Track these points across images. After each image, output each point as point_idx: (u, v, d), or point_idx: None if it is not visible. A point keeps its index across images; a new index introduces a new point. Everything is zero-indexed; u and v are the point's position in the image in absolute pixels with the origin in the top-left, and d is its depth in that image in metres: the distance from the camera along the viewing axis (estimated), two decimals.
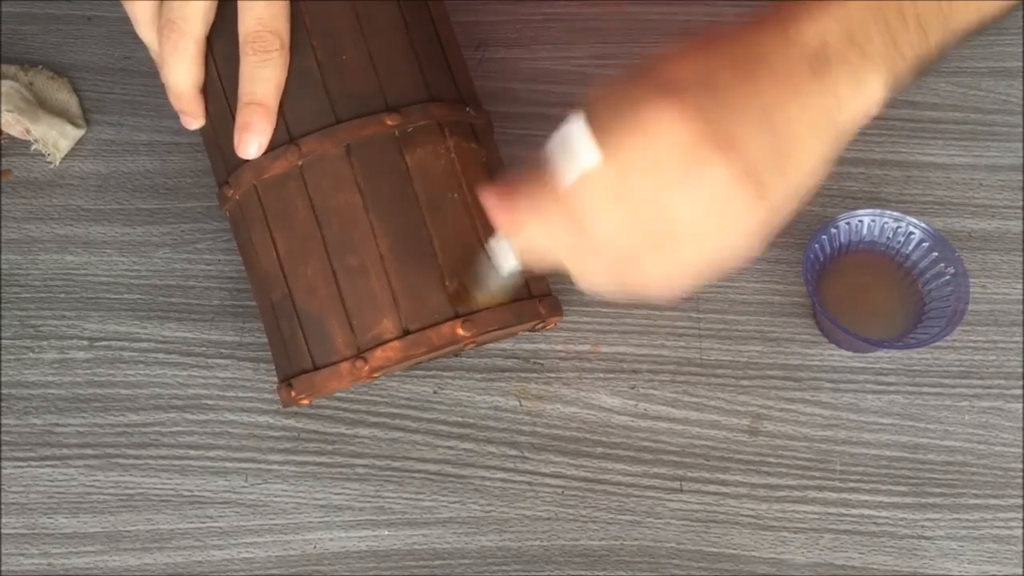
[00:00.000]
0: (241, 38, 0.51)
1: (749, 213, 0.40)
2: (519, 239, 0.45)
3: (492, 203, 0.44)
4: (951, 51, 0.44)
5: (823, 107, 0.40)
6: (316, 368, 0.51)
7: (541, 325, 0.56)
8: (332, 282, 0.50)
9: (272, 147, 0.51)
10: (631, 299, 0.44)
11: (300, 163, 0.51)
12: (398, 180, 0.51)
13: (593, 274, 0.44)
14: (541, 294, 0.54)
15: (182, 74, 0.53)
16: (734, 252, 0.41)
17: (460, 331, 0.49)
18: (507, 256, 0.47)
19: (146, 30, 0.53)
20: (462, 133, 0.53)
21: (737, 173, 0.39)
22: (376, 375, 0.50)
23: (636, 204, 0.40)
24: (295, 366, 0.52)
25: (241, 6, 0.50)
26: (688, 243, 0.41)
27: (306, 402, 0.53)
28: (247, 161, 0.52)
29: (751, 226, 0.40)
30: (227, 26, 0.51)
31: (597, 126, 0.40)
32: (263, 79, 0.51)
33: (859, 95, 0.41)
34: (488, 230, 0.52)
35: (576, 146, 0.40)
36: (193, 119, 0.55)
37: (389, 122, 0.51)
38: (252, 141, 0.51)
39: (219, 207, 0.56)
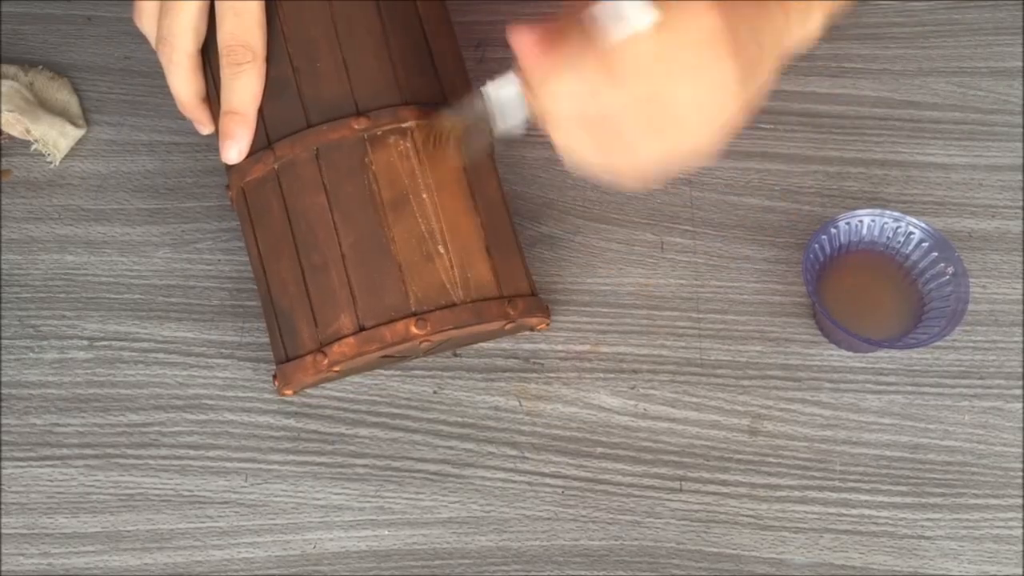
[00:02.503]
0: (219, 51, 0.54)
1: (730, 107, 0.44)
2: (543, 82, 0.45)
3: (527, 43, 0.45)
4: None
5: (779, 28, 0.46)
6: (288, 360, 0.53)
7: (514, 326, 0.56)
8: (300, 279, 0.53)
9: (253, 151, 0.55)
10: (604, 180, 0.48)
11: (276, 166, 0.54)
12: (361, 181, 0.53)
13: (587, 141, 0.46)
14: (515, 294, 0.54)
15: (181, 86, 0.56)
16: (706, 136, 0.45)
17: (414, 329, 0.51)
18: (502, 93, 0.47)
19: (154, 45, 0.56)
20: (436, 132, 0.54)
21: (737, 70, 0.43)
22: (336, 369, 0.52)
23: (663, 70, 0.43)
24: (276, 357, 0.54)
25: (217, 21, 0.53)
26: (684, 127, 0.45)
27: (289, 393, 0.55)
28: (234, 166, 0.56)
29: (726, 119, 0.45)
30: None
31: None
32: (237, 89, 0.54)
33: (804, 23, 0.47)
34: (457, 231, 0.53)
35: (633, 11, 0.42)
36: (202, 125, 0.58)
37: (356, 126, 0.53)
38: (232, 147, 0.55)
39: (231, 207, 0.58)
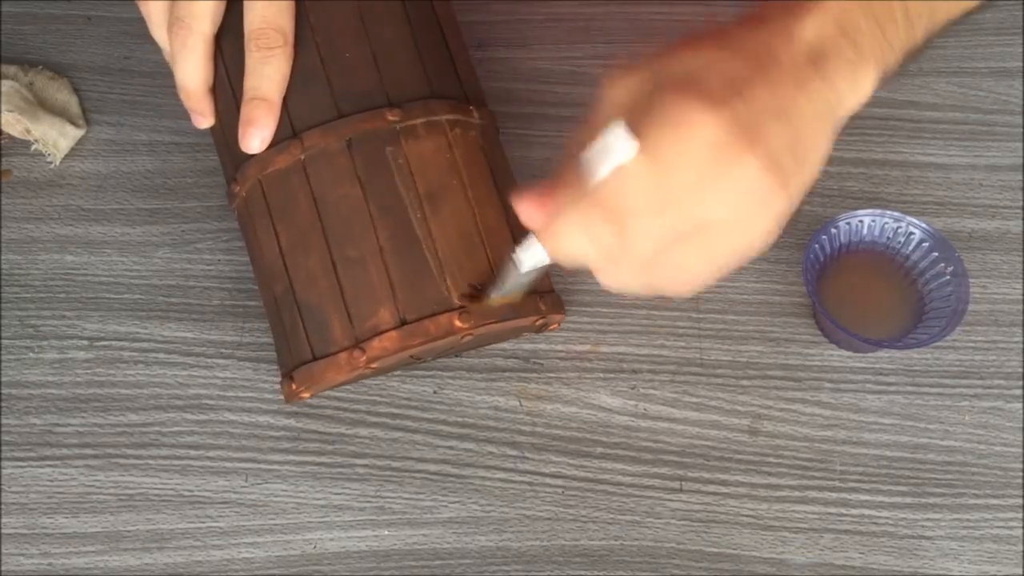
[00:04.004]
0: (246, 35, 0.52)
1: (775, 204, 0.41)
2: (553, 239, 0.44)
3: (526, 203, 0.44)
4: (939, 43, 0.46)
5: (826, 100, 0.42)
6: (315, 359, 0.51)
7: (543, 323, 0.55)
8: (332, 273, 0.51)
9: (276, 142, 0.52)
10: (653, 295, 0.45)
11: (303, 157, 0.52)
12: (398, 173, 0.51)
13: (624, 272, 0.44)
14: (542, 291, 0.54)
15: (191, 72, 0.53)
16: (759, 242, 0.43)
17: (458, 322, 0.50)
18: (534, 257, 0.47)
19: (159, 31, 0.54)
20: (464, 130, 0.53)
21: (766, 166, 0.40)
22: (373, 365, 0.51)
23: (672, 198, 0.41)
24: (296, 358, 0.52)
25: (247, 4, 0.51)
26: (720, 235, 0.42)
27: (307, 395, 0.53)
28: (252, 156, 0.53)
29: (775, 216, 0.42)
30: (235, 25, 0.52)
31: (631, 125, 0.40)
32: (266, 75, 0.52)
33: (855, 88, 0.43)
34: (488, 225, 0.52)
35: (612, 143, 0.40)
36: (203, 117, 0.55)
37: (390, 117, 0.52)
38: (255, 135, 0.52)
39: (229, 205, 0.56)
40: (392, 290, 0.50)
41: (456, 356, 0.59)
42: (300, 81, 0.52)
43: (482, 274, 0.51)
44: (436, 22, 0.56)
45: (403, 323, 0.50)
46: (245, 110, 0.52)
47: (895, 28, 0.43)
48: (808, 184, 0.43)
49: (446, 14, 0.58)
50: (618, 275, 0.45)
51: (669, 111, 0.40)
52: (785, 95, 0.41)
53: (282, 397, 0.58)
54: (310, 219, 0.52)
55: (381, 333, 0.50)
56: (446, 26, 0.57)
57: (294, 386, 0.52)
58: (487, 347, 0.59)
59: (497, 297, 0.51)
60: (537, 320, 0.54)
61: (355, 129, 0.51)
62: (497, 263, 0.51)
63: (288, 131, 0.52)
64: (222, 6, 0.53)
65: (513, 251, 0.48)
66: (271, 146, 0.53)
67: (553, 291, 0.55)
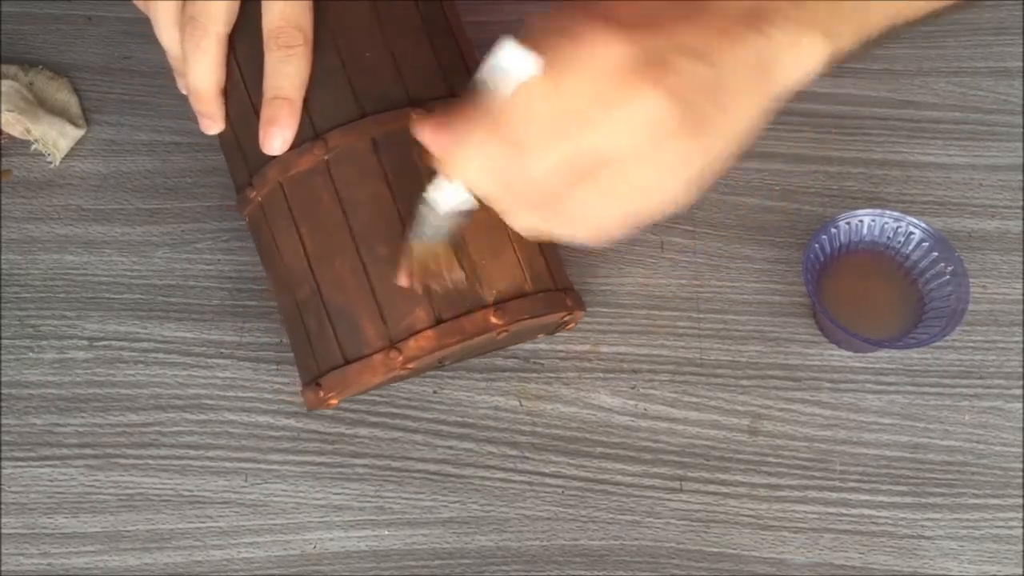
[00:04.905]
0: (265, 34, 0.51)
1: (685, 148, 0.39)
2: (452, 166, 0.43)
3: (425, 131, 0.43)
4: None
5: (758, 54, 0.40)
6: (347, 363, 0.50)
7: (569, 318, 0.55)
8: (362, 274, 0.50)
9: (297, 143, 0.52)
10: (562, 239, 0.44)
11: (326, 157, 0.51)
12: (426, 173, 0.50)
13: (525, 209, 0.43)
14: (565, 287, 0.54)
15: (204, 73, 0.52)
16: (670, 192, 0.41)
17: (493, 319, 0.50)
18: (446, 195, 0.45)
19: (167, 33, 0.53)
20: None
21: (672, 104, 0.38)
22: (410, 366, 0.50)
23: (568, 122, 0.39)
24: (324, 364, 0.51)
25: (265, 4, 0.51)
26: (624, 175, 0.40)
27: (335, 401, 0.52)
28: (271, 160, 0.52)
29: (687, 164, 0.40)
30: (249, 27, 0.52)
31: (533, 45, 0.39)
32: (288, 74, 0.51)
33: (798, 54, 0.40)
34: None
35: (510, 61, 0.39)
36: (212, 122, 0.54)
37: (415, 115, 0.51)
38: (277, 136, 0.51)
39: (240, 211, 0.55)
40: (427, 289, 0.49)
41: (482, 356, 0.59)
42: (320, 81, 0.52)
43: (512, 274, 0.51)
44: (446, 22, 0.56)
45: (439, 321, 0.49)
46: (266, 110, 0.51)
47: (850, 5, 0.42)
48: (734, 142, 0.40)
49: (453, 15, 0.58)
50: (520, 212, 0.43)
51: (575, 31, 0.38)
52: (709, 38, 0.39)
53: (282, 398, 0.58)
54: (336, 220, 0.51)
55: (417, 332, 0.49)
56: (455, 27, 0.57)
57: (322, 392, 0.51)
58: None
59: (418, 244, 0.48)
60: (564, 315, 0.54)
61: (380, 128, 0.51)
62: (525, 262, 0.51)
63: (310, 132, 0.52)
64: (236, 6, 0.52)
65: (424, 191, 0.46)
66: (292, 148, 0.52)
67: (573, 288, 0.55)
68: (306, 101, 0.52)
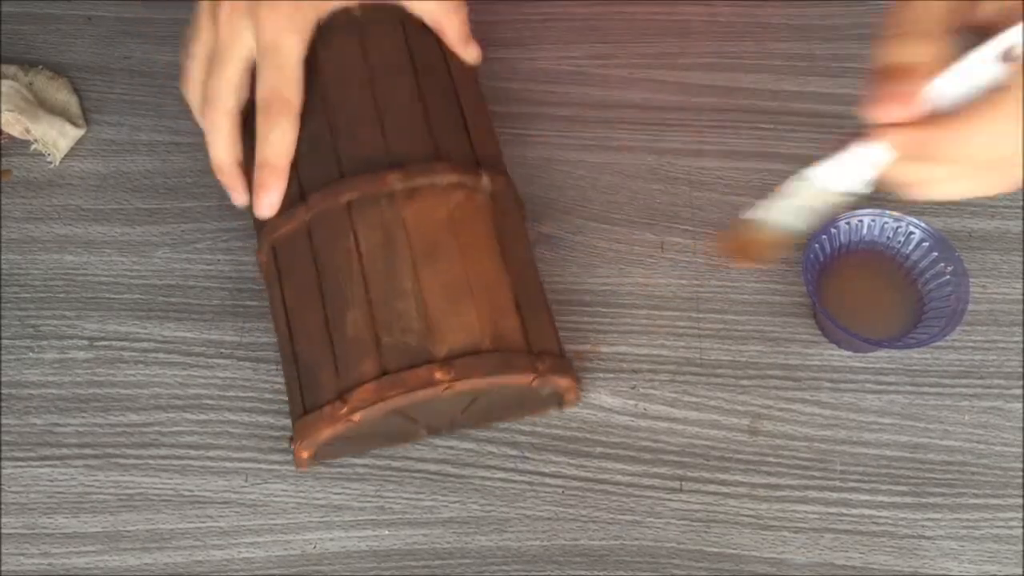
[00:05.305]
0: (256, 104, 0.54)
1: None
2: (927, 186, 0.43)
3: (884, 102, 0.42)
4: None
5: None
6: (306, 412, 0.51)
7: (562, 390, 0.54)
8: (324, 329, 0.51)
9: (287, 205, 0.54)
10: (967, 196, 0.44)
11: (308, 219, 0.53)
12: (392, 231, 0.52)
13: (970, 174, 0.43)
14: (542, 351, 0.52)
15: (220, 148, 0.56)
16: None
17: (438, 374, 0.49)
18: (843, 172, 0.44)
19: (198, 116, 0.57)
20: (470, 192, 0.54)
21: None
22: (355, 417, 0.50)
23: None
24: (294, 416, 0.53)
25: (257, 76, 0.54)
26: None
27: (305, 455, 0.53)
28: (267, 223, 0.55)
29: None
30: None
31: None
32: (272, 141, 0.54)
33: None
34: (484, 283, 0.52)
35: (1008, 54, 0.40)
36: (236, 194, 0.57)
37: (390, 177, 0.53)
38: (263, 198, 0.54)
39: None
40: (377, 342, 0.50)
41: (474, 427, 0.57)
42: (309, 148, 0.54)
43: (469, 330, 0.50)
44: (452, 89, 0.57)
45: (384, 373, 0.50)
46: (255, 176, 0.54)
47: None
48: None
49: (466, 81, 0.59)
50: (958, 181, 0.43)
51: None
52: None
53: (282, 398, 0.58)
54: (310, 277, 0.53)
55: (362, 384, 0.50)
56: (464, 94, 0.58)
57: (294, 444, 0.52)
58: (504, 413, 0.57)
59: (762, 221, 0.46)
60: (535, 379, 0.52)
61: (355, 190, 0.53)
62: (487, 320, 0.51)
63: (297, 195, 0.54)
64: (244, 83, 0.55)
65: (803, 169, 0.45)
66: (282, 212, 0.54)
67: (562, 356, 0.54)
68: (296, 167, 0.54)
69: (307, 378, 0.52)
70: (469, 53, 0.60)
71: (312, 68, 0.55)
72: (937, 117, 0.41)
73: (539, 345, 0.52)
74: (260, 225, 0.56)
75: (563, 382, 0.53)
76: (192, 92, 0.57)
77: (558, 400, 0.56)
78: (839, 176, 0.45)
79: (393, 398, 0.49)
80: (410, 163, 0.53)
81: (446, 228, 0.52)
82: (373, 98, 0.55)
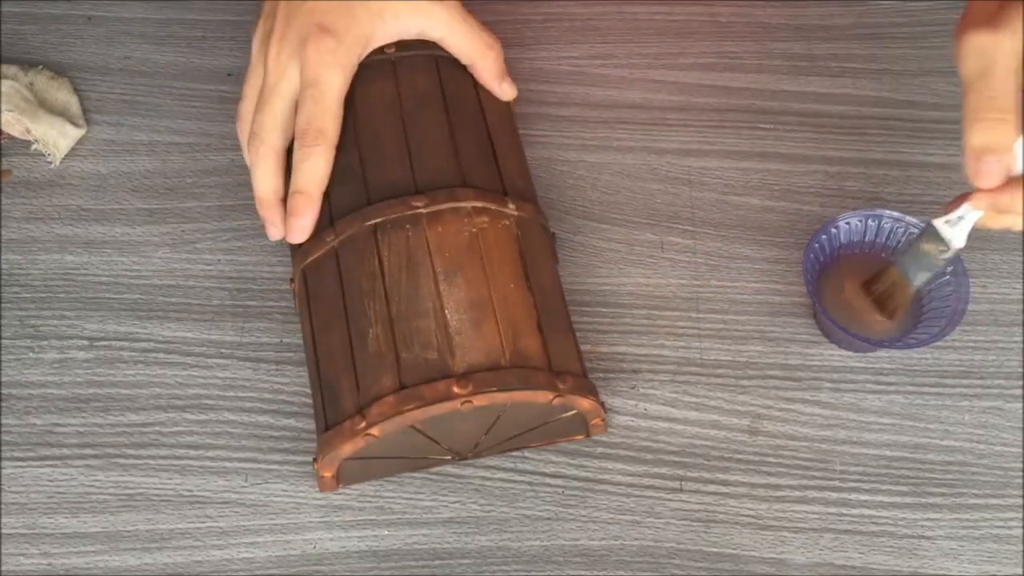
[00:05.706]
0: (294, 135, 0.56)
1: None
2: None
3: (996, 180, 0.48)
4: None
5: None
6: (327, 429, 0.52)
7: (588, 413, 0.54)
8: (348, 347, 0.52)
9: (318, 232, 0.56)
10: None
11: (335, 244, 0.54)
12: (416, 251, 0.53)
13: None
14: (565, 371, 0.52)
15: (263, 181, 0.57)
16: None
17: (456, 388, 0.50)
18: (960, 231, 0.52)
19: (244, 152, 0.59)
20: (495, 218, 0.55)
21: None
22: (373, 432, 0.50)
23: None
24: (318, 434, 0.53)
25: (298, 107, 0.56)
26: None
27: (327, 474, 0.53)
28: (299, 249, 0.56)
29: None
30: None
31: None
32: (305, 170, 0.55)
33: None
34: (505, 302, 0.52)
35: None
36: (274, 227, 0.58)
37: (415, 203, 0.54)
38: (294, 226, 0.56)
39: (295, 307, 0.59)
40: (397, 358, 0.51)
41: (498, 453, 0.57)
42: (340, 178, 0.56)
43: (490, 347, 0.51)
44: (483, 124, 0.59)
45: (401, 387, 0.50)
46: (289, 203, 0.56)
47: None
48: None
49: (498, 117, 0.60)
50: None
51: None
52: None
53: (282, 398, 0.58)
54: (335, 299, 0.53)
55: (380, 398, 0.50)
56: (495, 128, 0.59)
57: (316, 463, 0.53)
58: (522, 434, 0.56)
59: (903, 274, 0.55)
60: (555, 397, 0.51)
61: (380, 214, 0.54)
62: (508, 338, 0.51)
63: (327, 221, 0.56)
64: (289, 119, 0.56)
65: (931, 226, 0.53)
66: (313, 237, 0.56)
67: (584, 376, 0.54)
68: (328, 194, 0.56)
69: (329, 395, 0.52)
70: (504, 91, 0.61)
71: (348, 103, 0.57)
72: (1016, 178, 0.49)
73: (561, 366, 0.52)
74: (293, 252, 0.57)
75: (586, 403, 0.53)
76: (242, 130, 0.59)
77: (584, 426, 0.56)
78: (954, 233, 0.52)
79: (411, 411, 0.49)
80: (434, 188, 0.55)
81: (469, 250, 0.53)
82: (404, 131, 0.57)
